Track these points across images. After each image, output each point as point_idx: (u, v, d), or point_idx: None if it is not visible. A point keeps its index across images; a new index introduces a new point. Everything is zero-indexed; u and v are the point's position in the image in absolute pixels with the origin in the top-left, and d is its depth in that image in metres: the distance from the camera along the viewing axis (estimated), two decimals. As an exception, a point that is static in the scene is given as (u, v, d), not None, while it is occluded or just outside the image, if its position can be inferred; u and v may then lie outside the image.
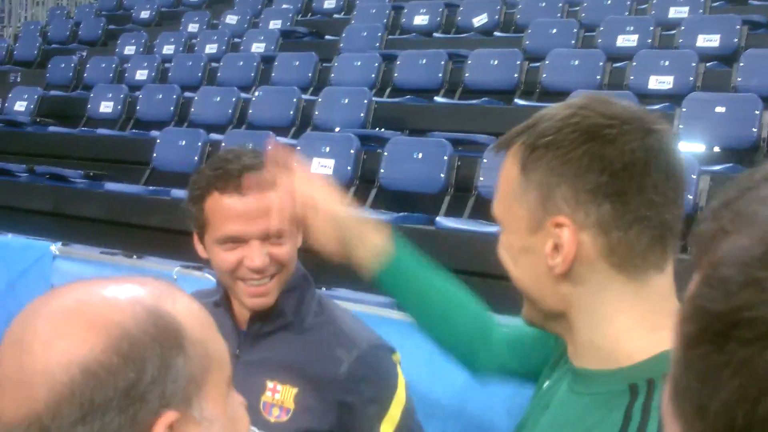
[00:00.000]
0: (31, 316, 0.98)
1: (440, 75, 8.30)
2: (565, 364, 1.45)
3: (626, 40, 8.05)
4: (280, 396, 2.16)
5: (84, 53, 12.07)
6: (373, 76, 8.61)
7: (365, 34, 9.72)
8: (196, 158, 7.52)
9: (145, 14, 13.11)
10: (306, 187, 1.79)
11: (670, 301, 1.28)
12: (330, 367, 2.14)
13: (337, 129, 7.40)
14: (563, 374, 1.45)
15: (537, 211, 1.30)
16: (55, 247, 4.54)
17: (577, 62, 7.61)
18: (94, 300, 0.99)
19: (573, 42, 8.31)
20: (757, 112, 5.97)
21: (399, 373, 2.23)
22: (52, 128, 9.38)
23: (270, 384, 2.17)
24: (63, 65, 11.18)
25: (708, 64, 7.27)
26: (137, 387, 0.95)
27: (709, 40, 7.68)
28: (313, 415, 2.14)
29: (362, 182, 6.70)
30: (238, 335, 2.21)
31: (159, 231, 6.95)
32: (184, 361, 0.99)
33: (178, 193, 6.87)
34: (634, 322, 1.28)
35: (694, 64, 7.03)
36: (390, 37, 9.83)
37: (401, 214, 5.90)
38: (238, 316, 2.23)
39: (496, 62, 8.06)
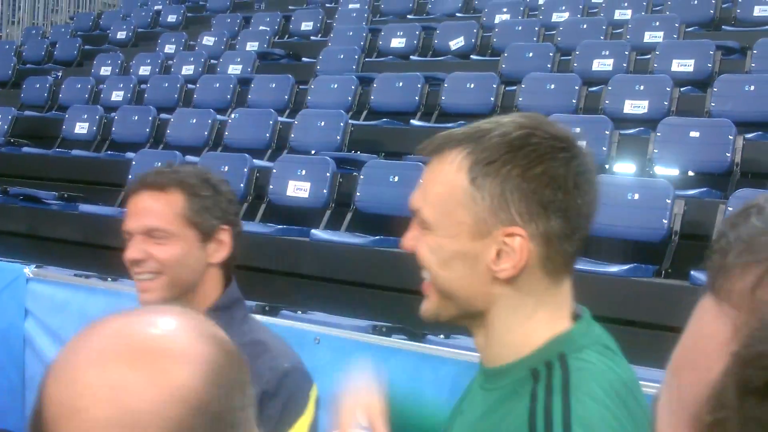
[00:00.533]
0: (99, 358, 0.95)
1: (417, 98, 8.32)
2: (468, 391, 1.59)
3: (602, 64, 8.10)
4: None
5: (59, 73, 12.02)
6: (350, 98, 8.61)
7: (342, 56, 9.74)
8: (171, 180, 7.48)
9: (121, 35, 13.07)
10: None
11: (569, 298, 1.48)
12: (252, 381, 2.19)
13: (313, 152, 7.40)
14: (471, 389, 1.57)
15: (487, 219, 1.39)
16: (29, 270, 4.51)
17: (553, 86, 7.65)
18: (169, 335, 0.98)
19: (549, 66, 8.35)
20: (730, 137, 6.01)
21: (309, 406, 2.27)
22: (26, 149, 9.32)
23: None
24: (38, 85, 11.12)
25: (682, 89, 7.32)
26: (227, 413, 0.97)
27: (683, 65, 7.74)
28: None
29: (338, 205, 6.70)
30: None
31: (134, 253, 6.91)
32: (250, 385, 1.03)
33: (154, 215, 6.84)
34: (546, 319, 1.43)
35: (668, 89, 7.08)
36: (367, 59, 9.86)
37: (377, 237, 5.90)
38: None
39: (472, 86, 8.09)
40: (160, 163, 7.33)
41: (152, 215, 2.27)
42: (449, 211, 1.42)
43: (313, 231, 6.12)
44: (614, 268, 5.05)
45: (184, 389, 0.94)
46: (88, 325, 0.99)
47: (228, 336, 2.25)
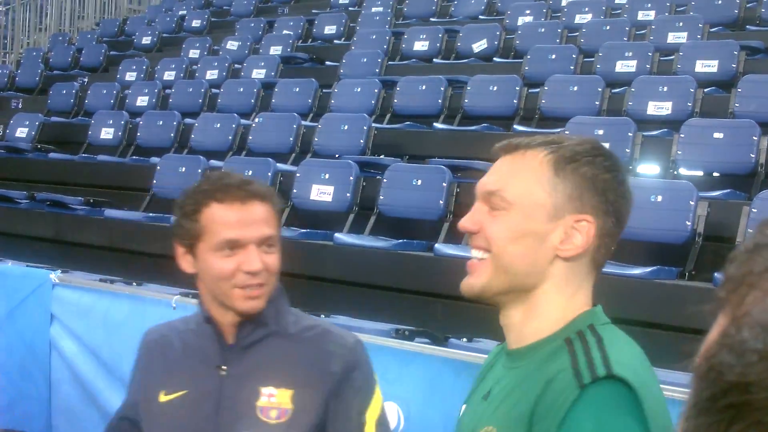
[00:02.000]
0: None
1: (440, 101, 8.32)
2: (475, 389, 1.83)
3: (625, 66, 8.08)
4: (277, 399, 2.32)
5: (85, 79, 12.13)
6: (373, 102, 8.63)
7: (365, 60, 9.76)
8: (196, 185, 7.52)
9: (146, 40, 13.17)
10: None
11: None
12: (323, 363, 2.33)
13: (336, 156, 7.42)
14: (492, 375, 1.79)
15: (564, 205, 1.66)
16: (54, 275, 4.55)
17: (575, 88, 7.64)
18: None
19: (572, 68, 8.34)
20: (755, 138, 5.98)
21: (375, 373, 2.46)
22: (52, 155, 9.41)
23: (264, 390, 2.33)
24: (64, 91, 11.22)
25: (706, 90, 7.29)
26: None
27: (707, 66, 7.71)
28: (312, 410, 2.31)
29: (361, 209, 6.71)
30: (222, 350, 2.36)
31: (159, 258, 6.94)
32: None
33: (179, 220, 6.89)
34: (581, 301, 1.70)
35: (692, 90, 7.05)
36: (390, 63, 9.88)
37: (400, 241, 5.91)
38: (224, 329, 2.36)
39: (495, 88, 8.09)
40: (184, 168, 7.36)
41: (267, 224, 2.32)
42: (532, 194, 1.67)
43: (337, 235, 6.14)
44: (638, 270, 5.03)
45: None
46: None
47: (279, 325, 2.36)
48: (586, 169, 1.67)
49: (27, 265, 6.05)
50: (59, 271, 4.62)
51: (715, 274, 4.76)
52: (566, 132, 6.72)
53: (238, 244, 2.28)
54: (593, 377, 1.54)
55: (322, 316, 4.83)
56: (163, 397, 2.42)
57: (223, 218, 2.29)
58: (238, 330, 2.36)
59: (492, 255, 1.68)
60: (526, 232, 1.67)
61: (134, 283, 5.76)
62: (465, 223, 1.73)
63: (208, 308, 2.37)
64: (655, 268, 5.02)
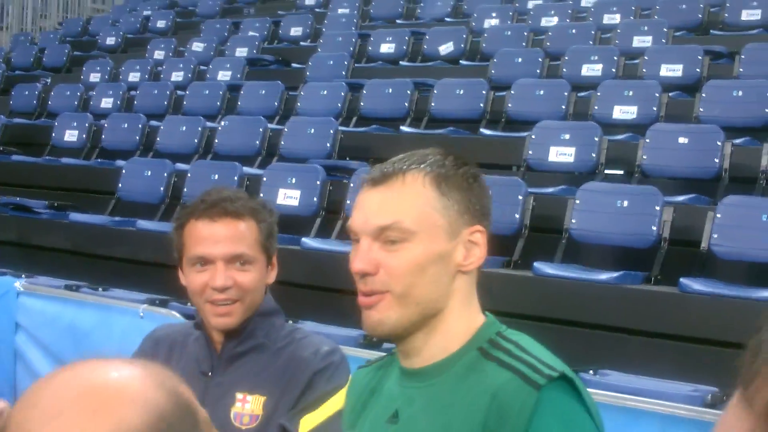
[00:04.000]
0: (55, 404, 0.97)
1: (406, 104, 8.32)
2: (360, 414, 1.79)
3: (591, 70, 8.12)
4: (251, 405, 2.40)
5: (48, 80, 12.00)
6: (339, 104, 8.61)
7: (331, 62, 9.73)
8: (161, 189, 7.49)
9: (110, 41, 13.05)
10: None
11: None
12: (296, 370, 2.41)
13: (305, 161, 7.40)
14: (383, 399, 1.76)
15: (458, 221, 1.67)
16: (19, 284, 4.50)
17: (542, 92, 7.67)
18: (125, 381, 1.00)
19: (538, 71, 8.36)
20: (719, 143, 6.03)
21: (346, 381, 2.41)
22: (15, 157, 9.31)
23: (239, 395, 2.41)
24: (27, 92, 11.10)
25: (671, 94, 7.34)
26: None
27: (671, 70, 7.77)
28: (279, 415, 2.37)
29: (328, 212, 6.70)
30: (212, 357, 2.46)
31: (125, 262, 6.92)
32: None
33: (144, 224, 6.86)
34: (476, 307, 1.72)
35: (657, 95, 7.10)
36: (356, 65, 9.86)
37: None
38: (214, 338, 2.46)
39: (462, 92, 8.10)
40: (150, 172, 7.24)
41: (239, 241, 2.38)
42: (428, 218, 1.66)
43: (304, 239, 6.13)
44: (604, 276, 5.06)
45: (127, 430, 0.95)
46: (49, 374, 1.01)
47: (269, 339, 2.40)
48: (460, 180, 1.69)
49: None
50: (24, 279, 4.57)
51: (681, 279, 4.81)
52: (532, 137, 6.76)
53: (207, 260, 2.38)
54: (547, 379, 1.56)
55: (290, 321, 4.82)
56: None
57: (195, 234, 2.41)
58: (224, 342, 2.44)
59: (396, 293, 1.64)
60: (432, 257, 1.65)
61: (100, 289, 5.72)
62: (360, 265, 1.66)
63: (203, 317, 2.47)
64: (620, 273, 5.06)
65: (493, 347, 1.65)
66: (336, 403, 2.35)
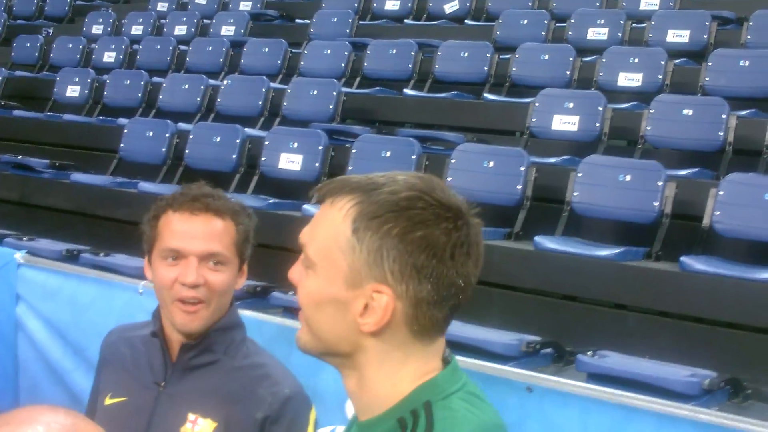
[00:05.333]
0: None
1: (410, 65, 8.27)
2: None
3: (597, 34, 8.06)
4: (200, 429, 2.30)
5: (50, 30, 11.92)
6: (343, 65, 8.56)
7: (335, 19, 9.66)
8: (163, 150, 7.47)
9: (113, -10, 12.94)
10: None
11: (439, 353, 1.48)
12: (252, 406, 2.30)
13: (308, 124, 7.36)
14: None
15: (361, 271, 1.41)
16: (19, 255, 4.49)
17: (547, 56, 7.61)
18: None
19: (543, 33, 8.29)
20: (723, 116, 5.99)
21: (309, 429, 2.36)
22: (17, 112, 9.27)
23: (192, 416, 2.32)
24: (28, 44, 11.02)
25: (677, 61, 7.29)
26: None
27: (678, 36, 7.70)
28: None
29: (330, 177, 6.66)
30: (166, 367, 2.37)
31: (126, 224, 6.90)
32: None
33: (146, 186, 6.85)
34: (412, 372, 1.45)
35: (663, 62, 7.05)
36: (361, 22, 9.78)
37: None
38: (171, 347, 2.37)
39: (466, 54, 8.04)
40: (152, 132, 7.20)
41: (216, 239, 2.30)
42: (330, 255, 1.43)
43: (305, 206, 6.12)
44: (604, 251, 5.06)
45: None
46: None
47: (227, 355, 2.33)
48: (389, 227, 1.39)
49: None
50: (24, 251, 4.57)
51: (681, 258, 4.80)
52: (536, 104, 6.72)
53: (180, 255, 2.29)
54: None
55: (291, 294, 4.82)
56: (107, 400, 2.46)
57: (172, 226, 2.31)
58: (181, 350, 2.36)
59: (303, 316, 1.49)
60: (325, 298, 1.44)
61: (101, 254, 5.72)
62: (291, 274, 1.52)
63: (162, 322, 2.38)
64: (621, 249, 5.05)
65: (412, 422, 1.43)
66: None
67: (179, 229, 2.30)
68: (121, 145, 7.74)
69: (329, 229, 1.43)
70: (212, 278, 2.29)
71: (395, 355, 1.44)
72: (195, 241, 2.29)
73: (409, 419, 1.42)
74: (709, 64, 6.86)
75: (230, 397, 2.31)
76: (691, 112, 6.12)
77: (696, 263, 4.75)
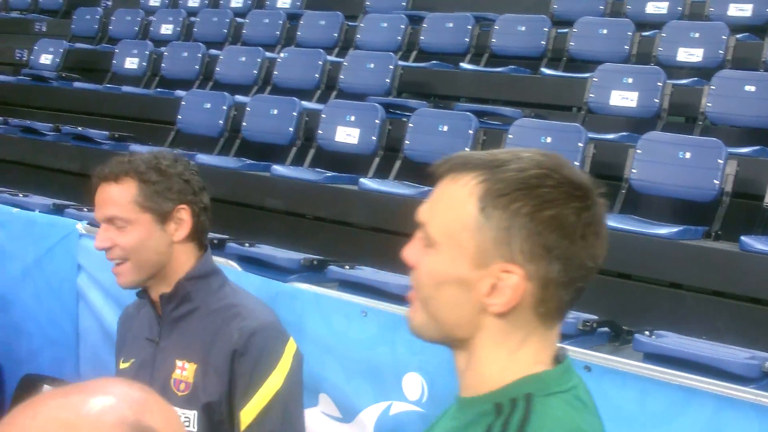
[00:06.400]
0: None
1: (467, 39, 8.23)
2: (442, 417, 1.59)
3: (656, 8, 7.95)
4: (186, 372, 2.47)
5: (109, 2, 12.03)
6: (399, 38, 8.55)
7: (392, -10, 9.63)
8: (221, 122, 7.52)
9: (170, -38, 12.99)
10: None
11: (555, 342, 1.46)
12: (224, 343, 2.45)
13: (364, 98, 7.36)
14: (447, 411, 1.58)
15: (488, 250, 1.37)
16: (81, 226, 4.56)
17: (605, 31, 7.53)
18: (79, 421, 1.00)
19: (601, 7, 8.20)
20: (787, 92, 5.90)
21: (282, 359, 2.48)
22: (77, 84, 9.38)
23: (179, 363, 2.49)
24: (88, 16, 11.15)
25: (739, 36, 7.17)
26: None
27: (740, 9, 7.58)
28: (208, 386, 2.44)
29: (387, 150, 6.68)
30: (158, 323, 2.55)
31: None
32: None
33: (203, 158, 6.91)
34: (527, 358, 1.42)
35: (724, 37, 6.94)
36: (417, -7, 9.75)
37: (426, 188, 5.88)
38: (155, 304, 2.55)
39: (523, 28, 7.98)
40: (209, 104, 7.24)
41: (110, 204, 2.46)
42: (454, 234, 1.40)
43: (362, 180, 6.14)
44: (663, 230, 5.01)
45: None
46: (23, 408, 1.02)
47: (205, 302, 2.48)
48: (519, 206, 1.36)
49: (53, 204, 6.12)
50: (86, 221, 4.63)
51: (741, 237, 4.74)
52: (594, 79, 6.66)
53: (96, 224, 2.58)
54: None
55: (347, 267, 4.85)
56: (122, 365, 2.64)
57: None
58: (162, 304, 2.52)
59: (419, 297, 1.45)
60: (449, 278, 1.40)
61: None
62: (406, 254, 1.47)
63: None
64: (680, 228, 5.00)
65: (506, 409, 1.40)
66: (271, 385, 2.44)
67: (95, 202, 2.50)
68: (179, 117, 7.81)
69: (453, 206, 1.40)
70: (120, 240, 2.45)
71: (515, 336, 1.41)
72: (98, 210, 2.49)
73: (507, 406, 1.40)
74: (773, 39, 6.75)
75: (207, 339, 2.47)
76: (753, 89, 6.02)
77: (756, 243, 4.69)
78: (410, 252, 1.46)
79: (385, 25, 8.71)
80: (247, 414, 2.44)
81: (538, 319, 1.41)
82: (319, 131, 6.90)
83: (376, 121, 6.67)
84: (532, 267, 1.36)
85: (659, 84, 6.40)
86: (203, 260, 2.54)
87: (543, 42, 7.83)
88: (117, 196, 2.45)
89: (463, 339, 1.42)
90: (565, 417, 1.39)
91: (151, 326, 2.56)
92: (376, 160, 6.64)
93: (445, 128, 6.32)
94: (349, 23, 9.10)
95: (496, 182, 1.38)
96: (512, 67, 7.66)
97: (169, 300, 2.50)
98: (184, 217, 2.49)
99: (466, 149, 6.10)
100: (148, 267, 2.48)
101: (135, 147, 7.41)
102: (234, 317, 2.48)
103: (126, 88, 8.97)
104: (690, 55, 7.04)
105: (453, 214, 1.40)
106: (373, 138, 6.65)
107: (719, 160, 5.22)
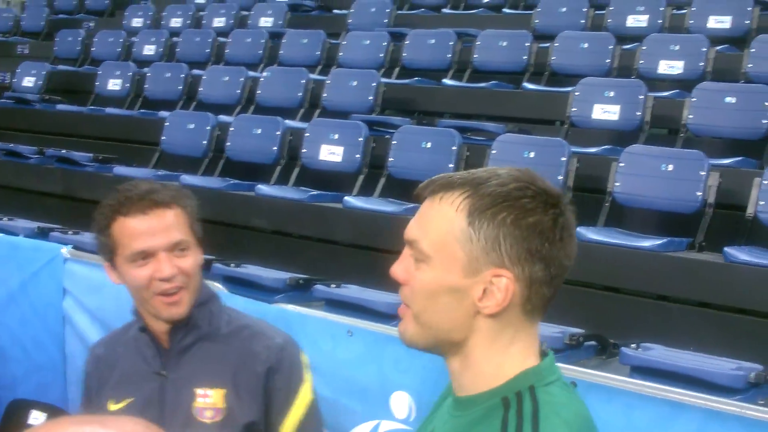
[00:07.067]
0: None
1: (449, 55, 8.26)
2: (436, 411, 1.73)
3: (636, 21, 8.01)
4: (212, 399, 2.42)
5: (91, 24, 12.04)
6: (381, 55, 8.57)
7: (373, 9, 9.66)
8: (204, 142, 7.52)
9: (152, -17, 13.01)
10: None
11: (538, 337, 1.62)
12: (252, 363, 2.44)
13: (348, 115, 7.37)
14: (440, 412, 1.70)
15: (479, 258, 1.53)
16: (66, 250, 4.56)
17: (586, 45, 7.57)
18: None
19: (582, 21, 8.25)
20: (767, 104, 5.93)
21: (306, 371, 2.54)
22: (60, 106, 9.37)
23: (200, 391, 2.44)
24: (70, 38, 11.15)
25: (718, 48, 7.22)
26: None
27: (720, 22, 7.63)
28: (244, 408, 2.42)
29: (372, 168, 6.69)
30: (161, 355, 2.47)
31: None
32: None
33: (188, 178, 6.90)
34: (518, 353, 1.58)
35: (704, 49, 6.99)
36: (399, 12, 9.78)
37: (410, 205, 5.89)
38: (159, 336, 2.47)
39: (505, 43, 8.01)
40: (193, 125, 7.22)
41: (175, 229, 2.40)
42: (447, 247, 1.54)
43: (346, 198, 6.14)
44: (647, 242, 5.03)
45: None
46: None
47: (211, 327, 2.46)
48: (504, 216, 1.52)
49: (38, 227, 6.10)
50: (70, 246, 4.63)
51: (725, 249, 4.77)
52: (576, 93, 6.70)
53: (148, 254, 2.37)
54: None
55: (333, 286, 4.84)
56: (112, 407, 2.52)
57: (129, 231, 2.38)
58: (171, 336, 2.46)
59: (413, 311, 1.58)
60: (443, 288, 1.55)
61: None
62: (394, 270, 1.61)
63: (143, 317, 2.47)
64: (664, 240, 5.02)
65: (515, 402, 1.54)
66: (304, 397, 2.49)
67: (138, 231, 2.37)
68: (163, 137, 7.81)
69: (443, 222, 1.55)
70: (183, 264, 2.40)
71: (506, 334, 1.56)
72: (157, 237, 2.37)
73: (513, 399, 1.54)
74: (752, 50, 6.79)
75: (229, 363, 2.45)
76: (734, 100, 6.06)
77: (740, 254, 4.72)
78: (399, 269, 1.60)
79: (368, 42, 8.74)
80: (287, 428, 2.46)
81: (525, 316, 1.56)
82: (303, 150, 6.91)
83: (360, 139, 6.69)
84: (519, 269, 1.52)
85: (641, 97, 6.43)
86: (204, 285, 2.52)
87: (525, 57, 7.87)
88: (177, 220, 2.41)
89: (457, 342, 1.57)
90: (567, 401, 1.56)
91: (148, 361, 2.49)
92: (361, 177, 6.65)
93: (429, 145, 6.34)
94: (332, 41, 9.13)
95: (480, 198, 1.54)
96: (494, 82, 7.69)
97: (178, 330, 2.45)
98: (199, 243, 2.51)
99: (450, 165, 6.13)
100: (195, 294, 2.45)
101: (119, 169, 7.41)
102: (253, 337, 2.48)
103: (109, 110, 8.97)
104: (671, 67, 7.08)
105: (443, 230, 1.54)
106: (357, 156, 6.66)
107: (701, 172, 5.24)
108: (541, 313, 1.59)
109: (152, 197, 2.39)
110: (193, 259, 2.42)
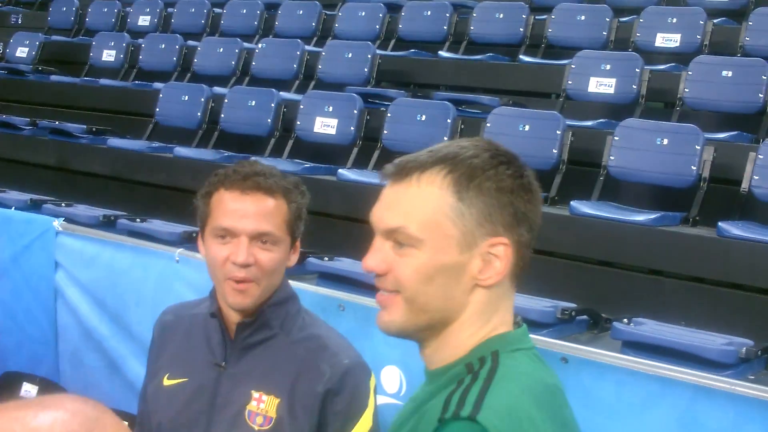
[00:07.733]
0: None
1: (445, 27, 8.21)
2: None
3: (633, -9, 7.95)
4: (265, 405, 2.31)
5: (85, -8, 11.96)
6: (377, 27, 8.52)
7: (370, -22, 9.59)
8: (199, 114, 7.49)
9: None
10: None
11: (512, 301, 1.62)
12: (313, 379, 2.31)
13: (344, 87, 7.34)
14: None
15: (473, 231, 1.51)
16: (57, 223, 4.54)
17: (583, 17, 7.52)
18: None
19: (580, -9, 8.20)
20: (764, 77, 5.90)
21: (371, 397, 2.38)
22: (54, 77, 9.32)
23: (255, 394, 2.33)
24: (64, 8, 11.06)
25: (716, 21, 7.17)
26: None
27: (718, -7, 7.59)
28: (294, 423, 2.29)
29: (366, 140, 6.67)
30: (226, 345, 2.37)
31: (163, 189, 6.95)
32: None
33: (182, 150, 6.88)
34: (496, 320, 1.57)
35: (701, 22, 6.95)
36: (395, -18, 9.70)
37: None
38: (228, 326, 2.37)
39: (501, 15, 7.97)
40: (187, 97, 7.18)
41: (266, 219, 2.29)
42: (438, 226, 1.50)
43: (340, 171, 6.12)
44: (641, 217, 5.02)
45: None
46: None
47: (284, 329, 2.36)
48: (489, 184, 1.51)
49: (30, 199, 6.07)
50: (62, 219, 4.61)
51: (719, 223, 4.75)
52: (572, 66, 6.66)
53: (231, 233, 2.29)
54: (454, 415, 1.43)
55: (326, 258, 4.83)
56: (166, 381, 2.46)
57: (223, 205, 2.31)
58: (239, 329, 2.36)
59: (404, 296, 1.53)
60: (440, 268, 1.51)
61: (138, 219, 5.76)
62: (370, 263, 1.55)
63: (219, 301, 2.38)
64: (658, 214, 5.01)
65: (476, 367, 1.52)
66: (363, 424, 2.34)
67: (230, 208, 2.29)
68: (157, 109, 7.77)
69: (428, 202, 1.51)
70: (263, 257, 2.28)
71: (493, 304, 1.56)
72: (246, 220, 2.27)
73: (476, 364, 1.52)
74: (750, 23, 6.75)
75: (291, 372, 2.33)
76: (730, 74, 6.03)
77: (734, 229, 4.70)
78: (375, 260, 1.54)
79: (363, 14, 8.69)
80: None
81: (510, 282, 1.57)
82: (298, 122, 6.88)
83: (354, 111, 6.65)
84: (510, 234, 1.53)
85: (637, 70, 6.40)
86: (285, 285, 2.42)
87: (521, 29, 7.83)
88: (274, 211, 2.30)
89: (449, 321, 1.54)
90: (529, 369, 1.54)
91: (212, 348, 2.40)
92: (355, 150, 6.62)
93: (423, 117, 6.31)
94: (327, 12, 9.07)
95: (461, 172, 1.51)
96: (491, 54, 7.65)
97: (247, 325, 2.35)
98: (298, 245, 2.43)
99: (445, 138, 6.09)
100: (268, 292, 2.35)
101: (113, 140, 7.38)
102: (321, 350, 2.36)
103: (103, 81, 8.91)
104: (668, 40, 7.04)
105: (431, 209, 1.50)
106: (352, 128, 6.63)
107: (696, 146, 5.22)
108: (519, 277, 1.59)
109: (257, 180, 2.30)
110: (276, 256, 2.30)
